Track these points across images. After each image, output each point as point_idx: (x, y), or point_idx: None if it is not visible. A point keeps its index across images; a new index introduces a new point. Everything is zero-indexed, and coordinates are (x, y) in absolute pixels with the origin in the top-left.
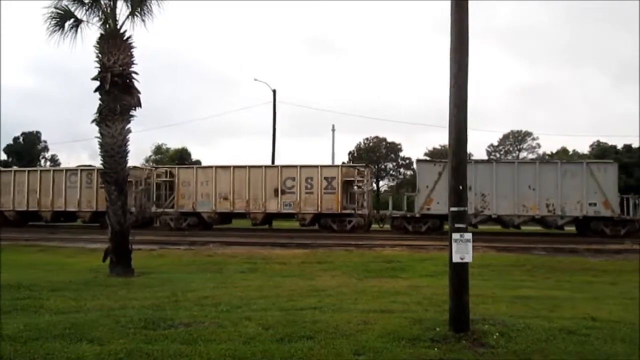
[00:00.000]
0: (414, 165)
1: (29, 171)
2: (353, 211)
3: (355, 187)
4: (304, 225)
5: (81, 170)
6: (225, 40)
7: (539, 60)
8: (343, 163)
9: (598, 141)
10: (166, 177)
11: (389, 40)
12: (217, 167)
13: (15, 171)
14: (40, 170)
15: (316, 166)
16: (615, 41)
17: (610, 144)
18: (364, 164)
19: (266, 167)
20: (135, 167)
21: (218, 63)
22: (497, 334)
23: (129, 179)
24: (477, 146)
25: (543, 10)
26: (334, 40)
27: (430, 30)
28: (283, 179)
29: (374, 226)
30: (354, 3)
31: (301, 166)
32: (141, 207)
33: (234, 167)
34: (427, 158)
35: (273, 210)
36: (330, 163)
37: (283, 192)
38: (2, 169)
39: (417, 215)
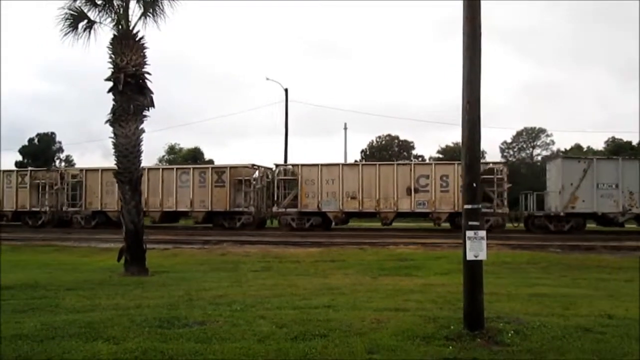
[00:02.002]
0: (550, 162)
1: None
2: (492, 210)
3: (496, 185)
4: (438, 224)
5: (194, 168)
6: (235, 42)
7: (544, 59)
8: (482, 160)
9: (613, 137)
10: (287, 175)
11: (400, 39)
12: (344, 164)
13: None
14: (148, 169)
15: (452, 163)
16: (621, 39)
17: (625, 140)
18: (502, 162)
19: (398, 164)
20: (253, 166)
21: (228, 64)
22: (512, 332)
23: (246, 178)
24: (489, 143)
25: (547, 9)
26: (345, 40)
27: (441, 28)
28: (416, 177)
29: (508, 225)
30: (366, 3)
31: (436, 163)
32: (257, 207)
33: (363, 164)
34: (571, 155)
35: (405, 209)
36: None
37: (416, 191)
38: (104, 167)
39: (561, 214)
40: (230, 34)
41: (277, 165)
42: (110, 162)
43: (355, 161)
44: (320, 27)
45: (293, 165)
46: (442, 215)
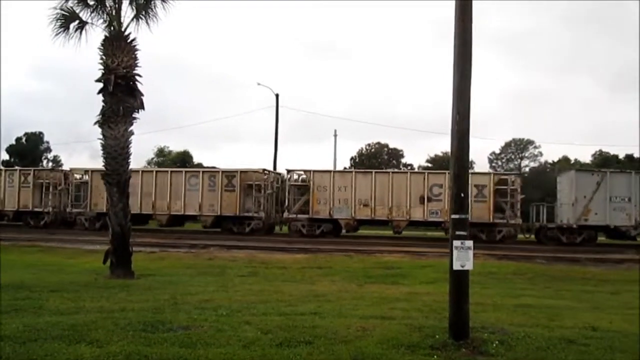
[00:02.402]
0: (561, 174)
1: (142, 171)
2: (505, 220)
3: (509, 196)
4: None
5: (203, 172)
6: (226, 44)
7: (532, 67)
8: (495, 170)
9: (600, 150)
10: (298, 181)
11: (390, 46)
12: (357, 171)
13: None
14: (156, 171)
15: None
16: (610, 49)
17: (612, 153)
18: (516, 172)
19: (411, 172)
20: (264, 171)
21: (219, 67)
22: (497, 342)
23: (255, 183)
24: (477, 153)
25: (535, 16)
26: (336, 46)
27: (432, 36)
28: (429, 186)
29: (520, 236)
30: (357, 8)
31: (449, 173)
32: (267, 212)
33: (376, 172)
34: (585, 168)
35: (418, 218)
36: (480, 170)
37: (429, 200)
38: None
39: (574, 227)
40: (223, 37)
41: (288, 171)
42: (99, 164)
43: (345, 168)
44: (314, 31)
45: (305, 171)
46: None
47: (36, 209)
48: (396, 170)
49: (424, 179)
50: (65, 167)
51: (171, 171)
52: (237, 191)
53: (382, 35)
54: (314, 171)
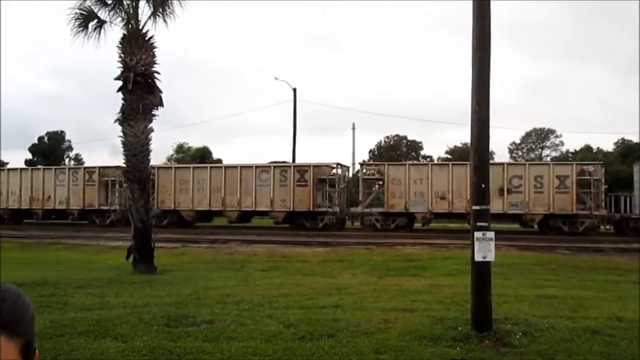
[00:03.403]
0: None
1: (211, 167)
2: (588, 212)
3: (592, 186)
4: (530, 226)
5: (274, 167)
6: (240, 41)
7: (544, 57)
8: (580, 161)
9: (623, 139)
10: (372, 174)
11: (407, 38)
12: (433, 164)
13: (194, 167)
14: (225, 167)
15: (547, 164)
16: (621, 37)
17: (635, 141)
18: (599, 162)
19: (490, 164)
20: (338, 165)
21: (233, 63)
22: (520, 333)
23: (330, 177)
24: (495, 143)
25: (546, 6)
26: (352, 39)
27: (449, 27)
28: (509, 178)
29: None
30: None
31: (530, 164)
32: (341, 207)
33: (453, 164)
34: None
35: (497, 211)
36: (563, 161)
37: (509, 192)
38: (177, 165)
39: None
40: (234, 33)
41: (361, 164)
42: (119, 161)
43: (364, 161)
44: (326, 23)
45: (379, 164)
46: (536, 217)
47: (102, 207)
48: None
49: (503, 170)
50: (87, 164)
51: (241, 166)
52: (309, 186)
53: (396, 27)
54: (389, 164)
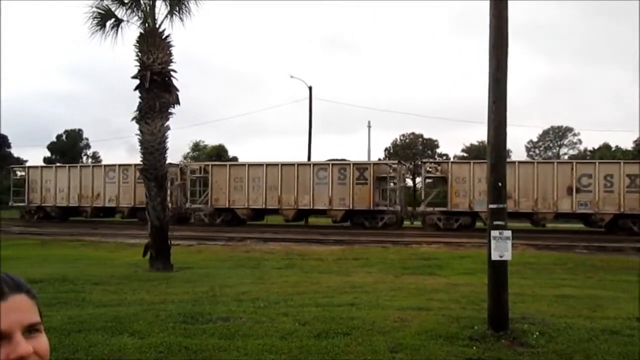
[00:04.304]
0: None
1: (267, 165)
2: None
3: None
4: (600, 226)
5: (332, 164)
6: (256, 40)
7: (558, 56)
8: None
9: None
10: (434, 173)
11: (423, 36)
12: None
13: (249, 165)
14: (282, 165)
15: (617, 162)
16: (634, 37)
17: None
18: None
19: (558, 162)
20: (399, 162)
21: (249, 63)
22: (537, 333)
23: (390, 175)
24: (512, 141)
25: (560, 7)
26: (366, 37)
27: (464, 26)
28: (578, 176)
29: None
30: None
31: (599, 162)
32: (401, 206)
33: (519, 162)
34: None
35: (565, 210)
36: (634, 160)
37: (578, 191)
38: (232, 162)
39: None
40: (247, 34)
41: (423, 162)
42: (136, 159)
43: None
44: (340, 23)
45: (442, 162)
46: (606, 216)
47: None
48: (541, 160)
49: (572, 168)
50: (105, 162)
51: (298, 164)
52: (369, 184)
53: (411, 26)
54: (452, 162)
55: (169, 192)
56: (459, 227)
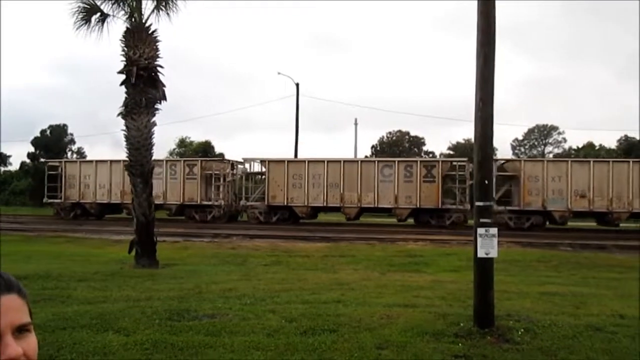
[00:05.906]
0: None
1: (327, 162)
2: None
3: None
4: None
5: (398, 162)
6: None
7: (542, 55)
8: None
9: (626, 136)
10: (504, 171)
11: (409, 34)
12: (572, 160)
13: (309, 161)
14: (344, 161)
15: None
16: (619, 36)
17: (637, 138)
18: None
19: (634, 161)
20: (468, 160)
21: (235, 59)
22: (522, 330)
23: (460, 173)
24: (498, 140)
25: (543, 6)
26: (351, 34)
27: (451, 24)
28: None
29: None
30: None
31: (633, 161)
32: (462, 203)
33: (594, 161)
34: None
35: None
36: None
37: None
38: (290, 158)
39: None
40: (236, 30)
41: (495, 160)
42: (121, 154)
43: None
44: (327, 21)
45: (514, 160)
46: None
47: (204, 203)
48: (616, 159)
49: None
50: (91, 158)
51: (361, 161)
52: (437, 182)
53: (397, 23)
54: (525, 160)
55: (220, 189)
56: (531, 226)
